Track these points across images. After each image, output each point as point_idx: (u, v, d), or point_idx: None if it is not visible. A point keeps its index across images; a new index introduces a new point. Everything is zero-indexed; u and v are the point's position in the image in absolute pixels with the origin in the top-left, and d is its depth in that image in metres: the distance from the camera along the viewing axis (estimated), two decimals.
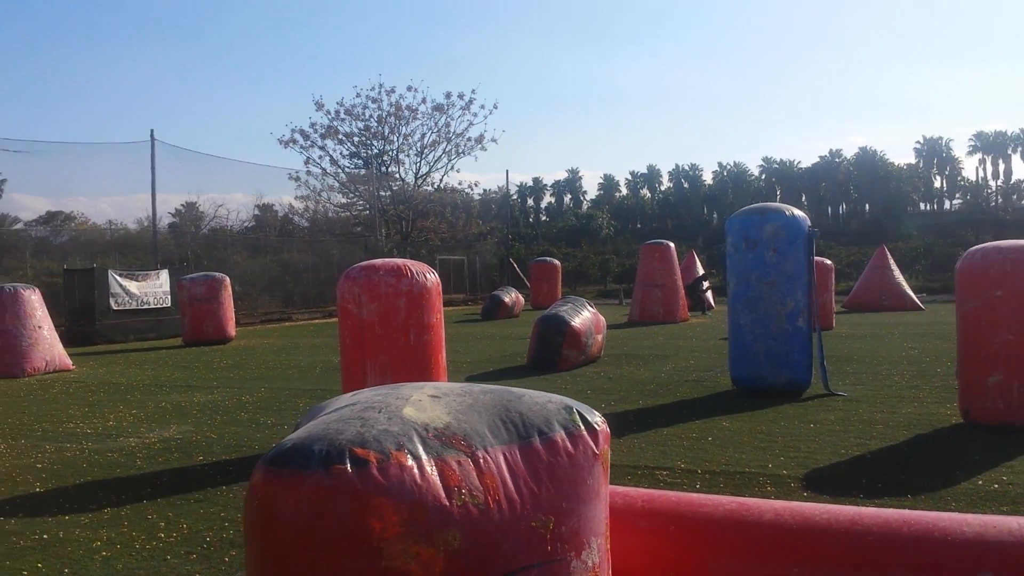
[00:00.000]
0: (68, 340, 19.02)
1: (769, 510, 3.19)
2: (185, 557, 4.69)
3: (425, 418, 2.61)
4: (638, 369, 12.73)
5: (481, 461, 2.56)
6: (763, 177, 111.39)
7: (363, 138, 41.23)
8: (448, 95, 41.75)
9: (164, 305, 22.17)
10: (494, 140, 43.34)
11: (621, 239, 78.88)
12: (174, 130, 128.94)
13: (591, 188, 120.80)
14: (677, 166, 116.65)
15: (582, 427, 2.78)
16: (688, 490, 5.64)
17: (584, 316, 13.32)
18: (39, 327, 14.03)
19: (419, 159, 42.15)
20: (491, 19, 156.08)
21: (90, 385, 12.47)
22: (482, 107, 42.39)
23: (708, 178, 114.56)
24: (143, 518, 5.48)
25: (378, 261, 7.77)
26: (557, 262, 32.96)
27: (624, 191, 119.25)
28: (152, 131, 25.96)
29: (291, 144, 40.08)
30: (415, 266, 7.71)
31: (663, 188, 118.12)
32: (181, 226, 37.13)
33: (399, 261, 7.74)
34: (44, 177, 47.80)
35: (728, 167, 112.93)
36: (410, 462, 2.41)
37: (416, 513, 2.35)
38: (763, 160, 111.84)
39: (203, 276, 20.13)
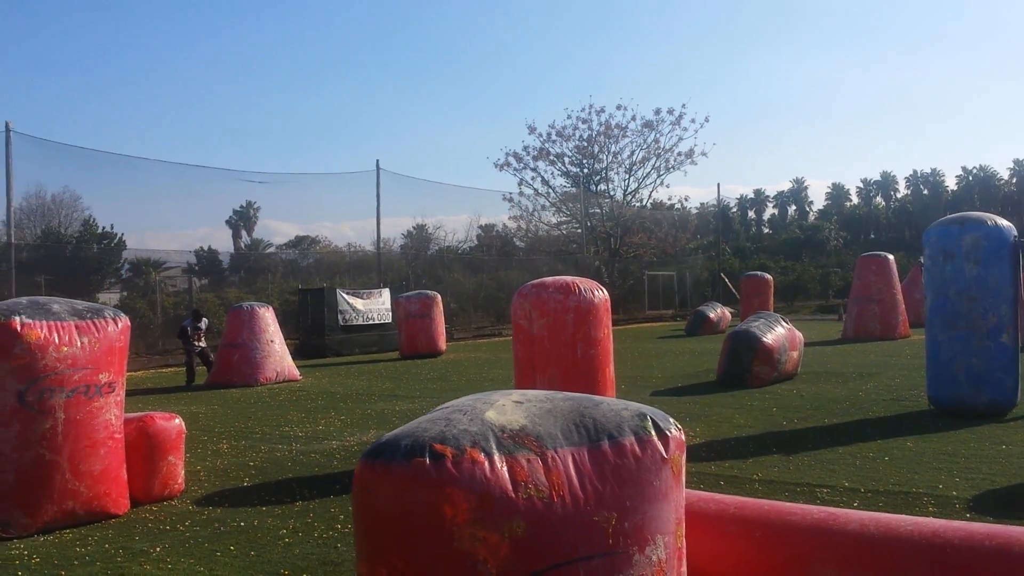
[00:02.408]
0: (301, 353, 21.01)
1: (855, 520, 3.25)
2: (353, 546, 5.27)
3: (504, 420, 2.96)
4: (836, 387, 12.30)
5: (550, 460, 2.86)
6: (1014, 181, 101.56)
7: (574, 158, 42.16)
8: (657, 111, 41.73)
9: (386, 321, 23.84)
10: (704, 154, 42.69)
11: (850, 251, 74.67)
12: (399, 158, 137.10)
13: (818, 198, 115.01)
14: (915, 171, 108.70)
15: (653, 433, 3.02)
16: (845, 507, 5.57)
17: (777, 332, 13.04)
18: (271, 341, 15.68)
19: (628, 176, 42.45)
20: (703, 29, 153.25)
21: (311, 394, 13.80)
22: (692, 121, 41.91)
23: (951, 183, 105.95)
24: (326, 511, 6.18)
25: (549, 279, 8.18)
26: (769, 276, 31.94)
27: (855, 200, 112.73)
28: (377, 161, 27.97)
29: (505, 167, 41.69)
30: (584, 283, 8.04)
31: (899, 196, 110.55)
32: (410, 247, 39.58)
33: (568, 279, 8.11)
34: (291, 205, 52.71)
35: (974, 171, 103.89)
36: (482, 458, 2.76)
37: (484, 502, 2.70)
38: (1014, 162, 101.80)
39: (417, 294, 21.52)
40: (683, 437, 3.11)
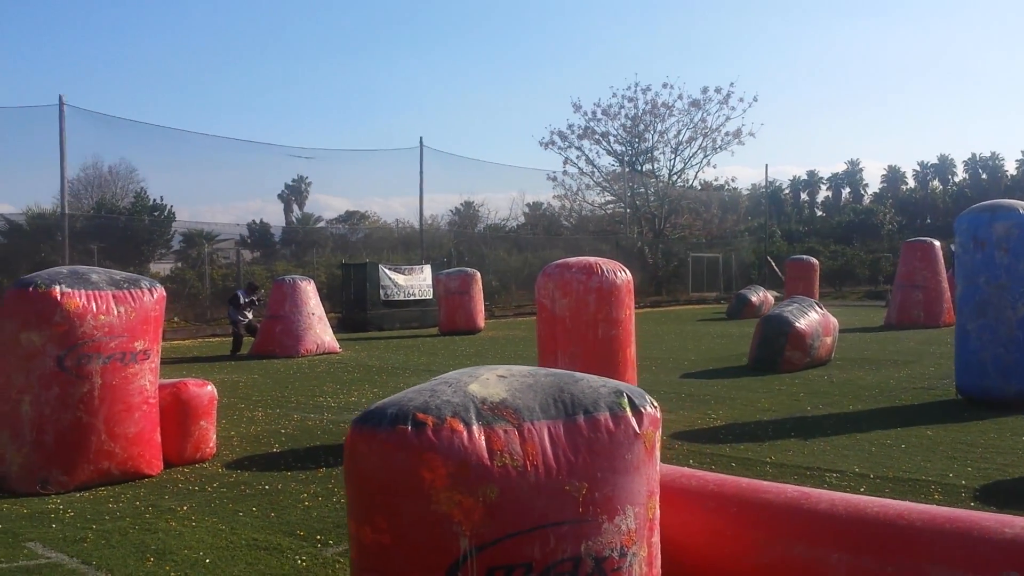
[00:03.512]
0: (343, 327, 21.45)
1: (826, 500, 3.38)
2: None
3: (485, 393, 3.14)
4: (868, 374, 12.26)
5: (526, 431, 3.04)
6: None
7: (619, 137, 41.99)
8: (705, 90, 41.32)
9: (427, 297, 24.19)
10: (752, 134, 42.13)
11: (904, 236, 73.11)
12: (444, 136, 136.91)
13: (873, 181, 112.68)
14: (974, 155, 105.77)
15: (627, 410, 3.17)
16: (852, 493, 5.66)
17: (811, 317, 13.01)
18: (312, 314, 16.09)
19: (674, 156, 42.16)
20: (754, 1, 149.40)
21: (348, 366, 14.15)
22: (740, 100, 41.48)
23: (1011, 168, 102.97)
24: None
25: (572, 260, 8.32)
26: (815, 260, 31.66)
27: (911, 183, 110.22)
28: (421, 138, 28.27)
29: (550, 146, 41.70)
30: (607, 264, 8.17)
31: (957, 179, 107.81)
32: (456, 224, 39.90)
33: (592, 260, 8.24)
34: (341, 180, 53.37)
35: None
36: (461, 427, 2.95)
37: (461, 469, 2.89)
38: None
39: (457, 271, 21.79)
40: (659, 415, 3.25)
